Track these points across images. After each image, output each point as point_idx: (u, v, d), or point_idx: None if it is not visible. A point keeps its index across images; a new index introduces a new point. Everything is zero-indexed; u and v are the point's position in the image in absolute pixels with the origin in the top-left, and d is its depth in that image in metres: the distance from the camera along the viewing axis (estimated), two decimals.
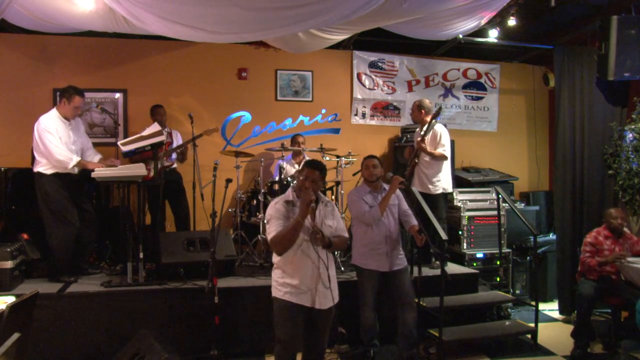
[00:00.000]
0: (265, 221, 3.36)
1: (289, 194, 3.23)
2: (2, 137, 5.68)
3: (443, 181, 5.02)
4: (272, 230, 3.08)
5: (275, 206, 3.16)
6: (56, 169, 4.36)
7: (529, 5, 5.05)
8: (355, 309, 4.30)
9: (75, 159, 4.36)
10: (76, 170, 4.44)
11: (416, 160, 5.09)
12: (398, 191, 4.05)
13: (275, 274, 3.20)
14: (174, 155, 5.56)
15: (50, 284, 4.25)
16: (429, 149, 4.96)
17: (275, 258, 3.21)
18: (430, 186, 4.98)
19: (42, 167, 4.37)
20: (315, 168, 3.14)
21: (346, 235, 3.31)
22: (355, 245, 4.08)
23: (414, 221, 3.96)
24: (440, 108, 5.05)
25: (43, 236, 4.45)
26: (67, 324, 3.94)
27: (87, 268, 4.73)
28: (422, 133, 4.96)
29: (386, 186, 4.07)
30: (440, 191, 4.99)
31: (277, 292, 3.16)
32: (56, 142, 4.32)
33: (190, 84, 6.27)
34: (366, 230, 3.98)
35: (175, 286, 4.21)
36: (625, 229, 4.60)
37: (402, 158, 6.13)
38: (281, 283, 3.13)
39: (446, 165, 5.06)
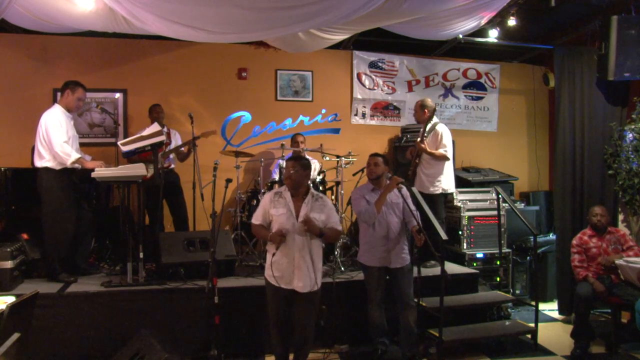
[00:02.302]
0: None
1: (281, 187, 3.64)
2: (2, 137, 5.68)
3: (443, 182, 5.01)
4: (254, 217, 3.62)
5: (265, 196, 3.66)
6: (63, 165, 4.34)
7: (529, 5, 5.05)
8: (355, 308, 4.32)
9: (75, 155, 4.34)
10: (77, 166, 4.43)
11: (417, 161, 5.10)
12: (405, 190, 4.05)
13: (268, 253, 3.57)
14: (170, 156, 5.56)
15: (50, 284, 4.24)
16: (429, 149, 4.96)
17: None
18: (429, 186, 4.98)
19: (50, 162, 4.33)
20: (296, 160, 3.55)
21: (338, 228, 3.62)
22: (360, 242, 4.14)
23: (414, 222, 3.96)
24: (434, 109, 5.03)
25: (43, 236, 4.43)
26: (67, 324, 3.94)
27: (87, 268, 4.73)
28: (423, 133, 4.96)
29: None
30: (439, 191, 4.99)
31: (266, 272, 3.54)
32: (61, 136, 4.30)
33: (190, 84, 6.27)
34: (368, 228, 4.02)
35: (175, 286, 4.21)
36: (621, 227, 4.61)
37: (403, 158, 6.13)
38: (268, 263, 3.48)
39: (448, 166, 5.05)
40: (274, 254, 3.44)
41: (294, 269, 3.42)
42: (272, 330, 3.58)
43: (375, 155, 4.15)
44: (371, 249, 4.01)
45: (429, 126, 5.02)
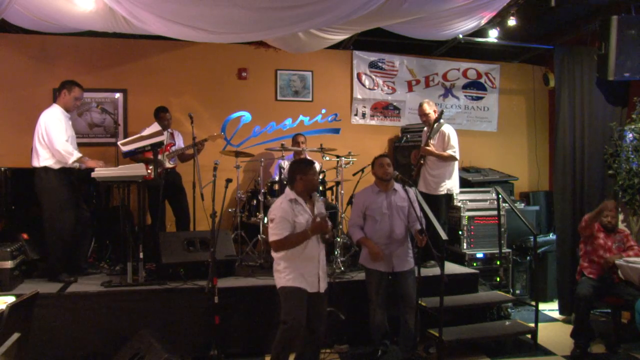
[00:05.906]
0: (268, 219, 3.52)
1: (289, 192, 3.50)
2: (2, 137, 5.68)
3: (448, 183, 5.01)
4: (277, 232, 3.36)
5: (281, 206, 3.43)
6: (62, 165, 4.33)
7: (529, 5, 5.05)
8: (355, 308, 4.32)
9: (76, 154, 4.33)
10: (77, 165, 4.43)
11: (422, 162, 5.09)
12: (412, 194, 4.03)
13: (279, 265, 3.46)
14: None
15: (50, 284, 4.24)
16: (436, 151, 4.95)
17: (278, 253, 3.43)
18: (434, 186, 4.97)
19: (48, 161, 4.32)
20: (315, 165, 3.66)
21: None
22: None
23: (419, 226, 3.91)
24: (442, 112, 5.01)
25: (43, 236, 4.44)
26: (67, 324, 3.94)
27: (87, 268, 4.73)
28: (428, 135, 4.94)
29: (397, 186, 4.09)
30: (443, 192, 4.98)
31: (284, 282, 3.42)
32: (61, 135, 4.29)
33: (190, 84, 6.27)
34: (371, 230, 4.01)
35: (175, 286, 4.21)
36: (623, 227, 4.60)
37: (403, 158, 6.13)
38: (288, 273, 3.40)
39: (454, 167, 5.05)
40: (292, 261, 3.42)
41: (316, 271, 3.47)
42: (286, 334, 3.36)
43: (385, 155, 4.15)
44: None
45: (432, 129, 5.00)
